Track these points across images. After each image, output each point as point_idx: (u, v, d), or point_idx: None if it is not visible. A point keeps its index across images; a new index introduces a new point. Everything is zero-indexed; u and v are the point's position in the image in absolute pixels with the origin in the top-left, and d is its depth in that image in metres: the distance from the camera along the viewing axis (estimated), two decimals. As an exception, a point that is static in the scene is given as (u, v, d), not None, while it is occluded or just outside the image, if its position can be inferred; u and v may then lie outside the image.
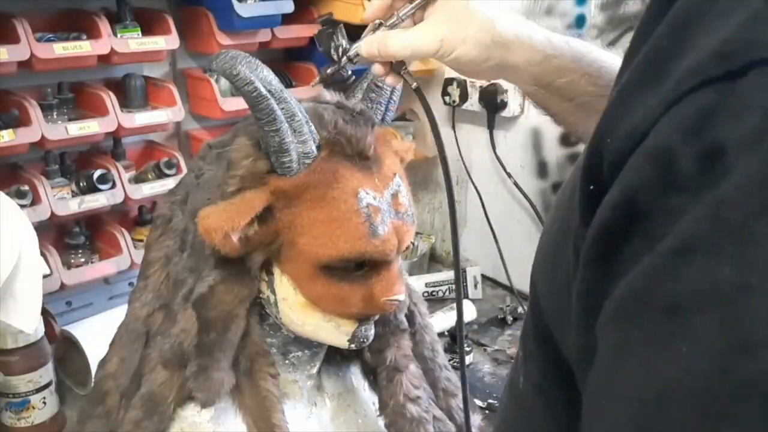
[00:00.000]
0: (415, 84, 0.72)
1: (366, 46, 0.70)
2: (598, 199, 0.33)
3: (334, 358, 0.88)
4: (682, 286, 0.28)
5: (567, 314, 0.35)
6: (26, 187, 1.20)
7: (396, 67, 0.71)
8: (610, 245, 0.32)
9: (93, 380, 0.86)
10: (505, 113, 1.65)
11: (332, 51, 0.71)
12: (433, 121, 0.73)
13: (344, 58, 0.71)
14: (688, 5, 0.32)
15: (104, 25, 1.25)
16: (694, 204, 0.28)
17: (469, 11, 0.68)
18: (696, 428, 0.27)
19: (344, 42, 0.71)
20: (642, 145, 0.30)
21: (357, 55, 0.71)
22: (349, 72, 0.71)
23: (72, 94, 1.32)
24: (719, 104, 0.28)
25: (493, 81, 1.57)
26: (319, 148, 0.72)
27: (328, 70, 0.71)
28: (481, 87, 1.66)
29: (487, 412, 1.31)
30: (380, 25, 0.71)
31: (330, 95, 0.79)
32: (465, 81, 1.67)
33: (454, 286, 1.73)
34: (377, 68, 0.73)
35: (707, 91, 0.28)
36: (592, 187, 0.34)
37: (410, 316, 0.88)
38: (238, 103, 1.41)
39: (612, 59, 0.68)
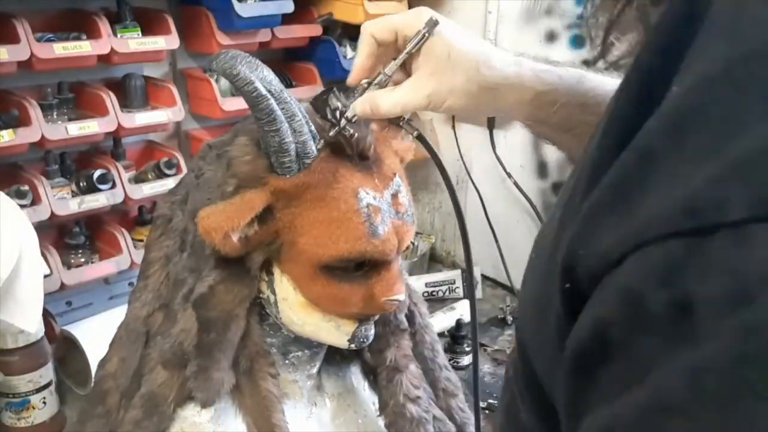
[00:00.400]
0: (416, 133, 0.73)
1: (359, 107, 0.70)
2: (577, 297, 0.32)
3: (334, 358, 0.88)
4: None
5: (555, 373, 0.35)
6: (26, 187, 1.20)
7: (393, 121, 0.72)
8: (586, 368, 0.32)
9: (93, 380, 0.86)
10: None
11: (329, 115, 0.71)
12: (440, 165, 0.73)
13: (342, 120, 0.71)
14: (654, 142, 0.31)
15: (104, 25, 1.26)
16: (669, 356, 0.28)
17: (452, 62, 0.66)
18: None
19: (340, 105, 0.71)
20: (613, 274, 0.30)
21: (354, 115, 0.71)
22: (351, 131, 0.71)
23: (72, 94, 1.32)
24: (688, 259, 0.28)
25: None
26: (318, 148, 0.72)
27: (330, 133, 0.72)
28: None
29: (487, 412, 1.31)
30: (370, 84, 0.70)
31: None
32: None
33: (453, 286, 1.74)
34: (375, 126, 0.74)
35: (676, 243, 0.28)
36: (568, 285, 0.33)
37: (410, 316, 0.88)
38: (238, 103, 1.41)
39: (606, 84, 0.66)
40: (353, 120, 0.71)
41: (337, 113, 0.71)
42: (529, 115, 0.69)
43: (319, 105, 0.72)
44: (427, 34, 0.66)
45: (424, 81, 0.67)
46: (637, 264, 0.29)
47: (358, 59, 0.71)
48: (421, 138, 0.73)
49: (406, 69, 0.70)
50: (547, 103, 0.67)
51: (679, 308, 0.28)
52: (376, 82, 0.70)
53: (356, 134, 0.72)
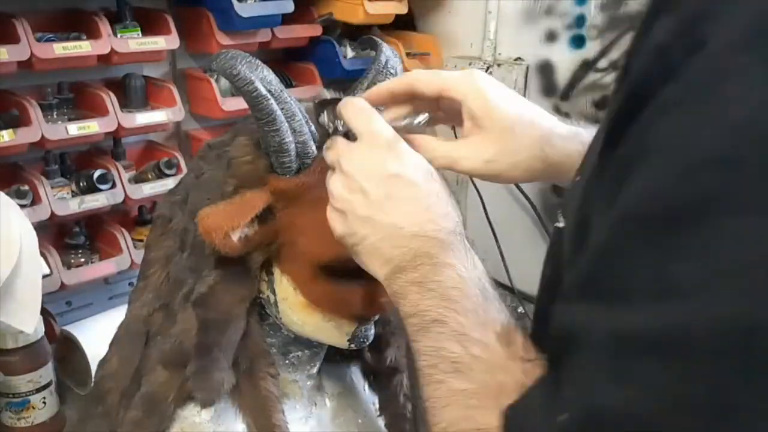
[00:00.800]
0: None
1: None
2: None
3: (334, 358, 0.88)
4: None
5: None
6: (26, 187, 1.20)
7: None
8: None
9: (93, 380, 0.86)
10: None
11: (329, 129, 0.70)
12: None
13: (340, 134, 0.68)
14: None
15: (104, 25, 1.26)
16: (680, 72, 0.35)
17: (516, 137, 0.64)
18: None
19: (340, 124, 0.69)
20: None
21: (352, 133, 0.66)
22: None
23: (72, 94, 1.32)
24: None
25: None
26: (318, 148, 0.72)
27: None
28: None
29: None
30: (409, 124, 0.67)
31: (330, 95, 0.79)
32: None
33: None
34: None
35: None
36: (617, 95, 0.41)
37: (410, 316, 0.88)
38: (238, 103, 1.41)
39: None
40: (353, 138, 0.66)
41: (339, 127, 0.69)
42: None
43: (320, 112, 0.72)
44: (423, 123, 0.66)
45: (486, 145, 0.64)
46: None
47: (384, 87, 0.69)
48: None
49: (449, 117, 0.69)
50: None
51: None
52: (417, 121, 0.67)
53: None
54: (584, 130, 0.67)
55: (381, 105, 0.68)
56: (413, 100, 0.68)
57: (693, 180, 0.34)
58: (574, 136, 0.66)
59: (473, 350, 0.46)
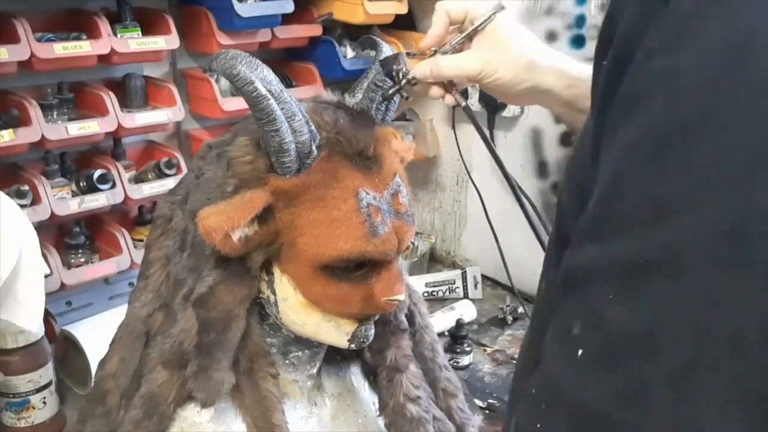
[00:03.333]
0: (464, 103, 0.85)
1: (420, 68, 0.82)
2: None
3: (334, 358, 0.88)
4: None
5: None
6: (26, 187, 1.20)
7: (448, 88, 0.85)
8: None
9: (93, 380, 0.86)
10: (505, 113, 1.65)
11: (394, 73, 0.81)
12: (483, 135, 0.86)
13: (404, 80, 0.81)
14: None
15: (104, 25, 1.26)
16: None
17: (509, 40, 0.80)
18: None
19: (404, 67, 0.81)
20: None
21: (414, 77, 0.82)
22: (405, 95, 0.82)
23: (72, 94, 1.32)
24: None
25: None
26: (319, 148, 0.72)
27: (390, 91, 0.81)
28: (454, 105, 1.66)
29: (487, 411, 1.31)
30: (435, 52, 0.84)
31: (330, 95, 0.79)
32: (465, 81, 1.67)
33: (453, 286, 1.73)
34: (433, 91, 0.85)
35: None
36: (604, 62, 0.42)
37: (410, 316, 0.88)
38: (238, 103, 1.41)
39: None
40: (413, 82, 0.81)
41: (400, 74, 0.80)
42: (564, 99, 0.80)
43: (387, 62, 0.81)
44: (493, 16, 0.81)
45: (482, 52, 0.81)
46: None
47: (432, 29, 0.84)
48: (467, 110, 0.85)
49: (468, 46, 0.83)
50: (582, 90, 0.78)
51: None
52: (442, 50, 0.84)
53: (410, 98, 0.84)
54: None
55: (436, 46, 0.84)
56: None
57: (677, 109, 0.36)
58: (563, 55, 0.82)
59: None
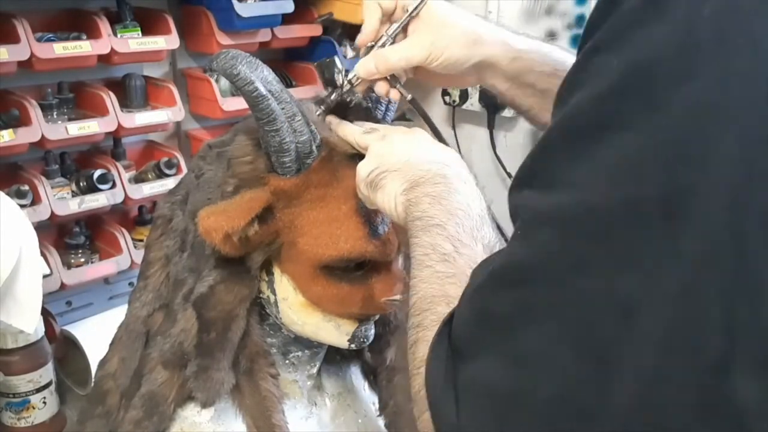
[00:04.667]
0: (409, 96, 0.81)
1: (363, 67, 0.78)
2: None
3: (334, 358, 0.88)
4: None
5: None
6: (26, 187, 1.20)
7: (392, 82, 0.79)
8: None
9: (93, 380, 0.86)
10: (505, 113, 1.65)
11: (335, 77, 0.78)
12: (433, 127, 0.82)
13: (345, 82, 0.78)
14: None
15: (104, 25, 1.25)
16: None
17: (450, 19, 0.78)
18: None
19: (344, 69, 0.79)
20: None
21: (356, 77, 0.78)
22: (349, 98, 0.78)
23: (72, 94, 1.32)
24: None
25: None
26: (319, 148, 0.72)
27: (331, 96, 0.78)
28: (481, 87, 1.66)
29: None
30: (371, 47, 0.79)
31: (329, 95, 0.79)
32: (465, 81, 1.67)
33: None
34: (380, 88, 0.80)
35: None
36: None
37: (410, 316, 0.87)
38: (238, 103, 1.41)
39: (569, 59, 0.76)
40: (355, 83, 0.78)
41: (340, 77, 0.78)
42: (509, 73, 0.79)
43: (323, 67, 0.78)
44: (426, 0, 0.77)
45: (425, 36, 0.78)
46: None
47: (366, 24, 0.80)
48: (414, 102, 0.81)
49: (404, 35, 0.80)
50: (527, 62, 0.78)
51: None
52: (380, 44, 0.79)
53: (353, 100, 0.78)
54: (540, 49, 0.80)
55: (373, 40, 0.80)
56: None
57: (600, 104, 0.42)
58: (503, 29, 0.81)
59: (461, 249, 0.56)
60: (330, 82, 0.78)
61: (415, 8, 0.78)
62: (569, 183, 0.43)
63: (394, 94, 0.81)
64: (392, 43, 0.79)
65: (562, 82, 0.47)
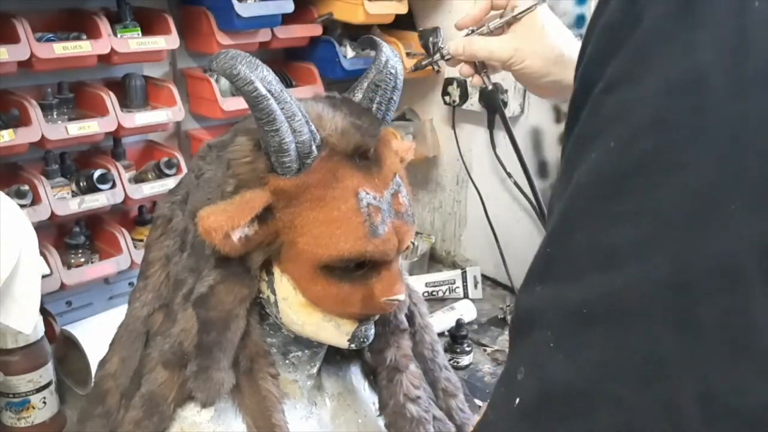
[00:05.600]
0: (490, 86, 0.90)
1: (454, 44, 0.86)
2: None
3: (334, 358, 0.88)
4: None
5: None
6: (26, 187, 1.20)
7: (479, 69, 0.88)
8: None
9: (93, 380, 0.86)
10: (506, 113, 1.65)
11: (430, 45, 0.86)
12: (506, 123, 0.94)
13: (437, 53, 0.87)
14: None
15: (104, 25, 1.25)
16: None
17: (544, 32, 0.83)
18: None
19: (440, 41, 0.87)
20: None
21: (447, 52, 0.87)
22: (437, 68, 0.91)
23: (72, 94, 1.32)
24: None
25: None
26: (319, 148, 0.72)
27: (423, 62, 0.88)
28: (481, 87, 1.66)
29: (487, 412, 1.31)
30: (472, 32, 0.87)
31: (330, 95, 0.79)
32: (465, 81, 1.67)
33: (453, 286, 1.73)
34: (464, 69, 0.87)
35: None
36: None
37: (410, 316, 0.88)
38: (238, 103, 1.41)
39: None
40: (446, 56, 0.86)
41: (435, 47, 0.87)
42: None
43: (424, 35, 0.86)
44: (534, 6, 0.84)
45: (515, 39, 0.84)
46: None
47: (472, 10, 0.87)
48: (493, 92, 0.96)
49: (505, 31, 0.86)
50: None
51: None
52: (478, 31, 0.87)
53: (439, 71, 0.91)
54: None
55: (474, 25, 0.87)
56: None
57: (629, 148, 0.35)
58: None
59: None
60: (425, 48, 0.86)
61: (521, 12, 0.84)
62: (608, 259, 0.35)
63: (477, 80, 0.88)
64: (490, 34, 0.85)
65: (568, 136, 0.41)
